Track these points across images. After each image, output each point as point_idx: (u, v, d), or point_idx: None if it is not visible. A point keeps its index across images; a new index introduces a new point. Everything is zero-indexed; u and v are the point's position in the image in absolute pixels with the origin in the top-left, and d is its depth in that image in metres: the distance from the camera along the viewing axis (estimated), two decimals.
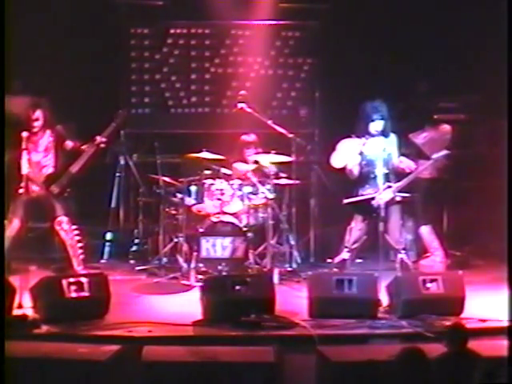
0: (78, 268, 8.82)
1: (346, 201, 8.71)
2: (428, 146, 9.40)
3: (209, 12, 10.36)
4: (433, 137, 9.46)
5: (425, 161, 9.09)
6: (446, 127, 9.54)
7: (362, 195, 8.66)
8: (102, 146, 8.93)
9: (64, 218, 8.84)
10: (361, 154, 8.69)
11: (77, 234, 8.90)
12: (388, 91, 9.19)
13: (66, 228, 8.84)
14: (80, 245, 8.91)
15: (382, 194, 8.53)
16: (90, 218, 10.04)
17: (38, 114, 8.83)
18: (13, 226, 8.69)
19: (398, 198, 8.60)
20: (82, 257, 8.89)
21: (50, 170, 8.88)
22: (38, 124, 8.84)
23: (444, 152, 8.90)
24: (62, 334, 7.11)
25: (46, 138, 8.91)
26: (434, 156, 8.88)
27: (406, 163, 8.77)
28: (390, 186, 8.60)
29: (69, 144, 8.91)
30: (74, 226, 8.90)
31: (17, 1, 9.13)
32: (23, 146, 8.58)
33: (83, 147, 8.86)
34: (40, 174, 8.86)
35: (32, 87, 9.66)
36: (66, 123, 9.07)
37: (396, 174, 8.76)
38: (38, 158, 8.87)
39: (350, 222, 8.90)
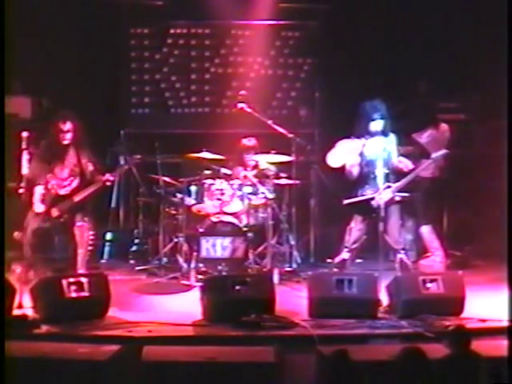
0: (80, 271, 8.77)
1: (346, 201, 8.71)
2: (431, 145, 9.40)
3: (209, 12, 10.37)
4: (435, 136, 9.47)
5: (428, 160, 9.10)
6: (445, 126, 9.56)
7: (362, 195, 8.67)
8: (108, 184, 8.92)
9: (86, 224, 8.82)
10: (361, 154, 8.70)
11: (91, 239, 8.92)
12: (388, 91, 9.19)
13: (84, 232, 8.81)
14: (90, 248, 8.91)
15: (381, 194, 8.54)
16: (90, 218, 10.05)
17: (69, 126, 8.74)
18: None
19: (397, 198, 8.61)
20: (87, 258, 8.87)
21: (64, 191, 8.83)
22: (68, 137, 8.75)
23: (443, 151, 8.91)
24: (62, 334, 7.11)
25: (73, 160, 8.84)
26: (433, 155, 8.89)
27: (405, 163, 8.77)
28: (389, 186, 8.60)
29: (90, 168, 8.87)
30: (92, 232, 8.90)
31: (17, 1, 9.13)
32: (23, 146, 8.59)
33: (97, 178, 8.82)
34: (56, 190, 8.83)
35: (31, 87, 9.67)
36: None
37: (395, 174, 8.77)
38: (61, 175, 8.82)
39: (349, 221, 8.91)
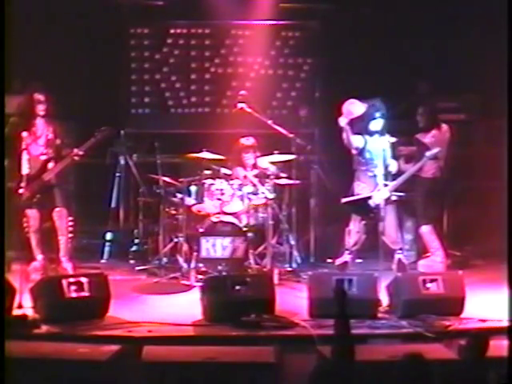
0: (63, 258, 8.95)
1: (344, 200, 8.74)
2: (434, 146, 9.39)
3: (209, 12, 10.37)
4: (438, 136, 9.47)
5: (433, 161, 9.13)
6: (445, 126, 9.58)
7: (359, 195, 8.70)
8: (76, 158, 8.89)
9: (64, 210, 8.96)
10: (361, 152, 8.76)
11: (70, 226, 9.17)
12: (388, 91, 9.20)
13: (63, 218, 8.95)
14: (71, 235, 9.15)
15: (378, 192, 8.59)
16: (90, 218, 10.06)
17: (42, 97, 8.83)
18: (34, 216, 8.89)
19: (393, 198, 8.62)
20: (69, 246, 9.04)
21: (35, 169, 8.87)
22: (42, 108, 8.84)
23: (436, 149, 8.95)
24: (61, 334, 7.11)
25: (45, 135, 8.93)
26: (427, 154, 8.93)
27: (393, 165, 8.85)
28: (386, 185, 8.63)
29: (57, 142, 8.94)
30: (70, 218, 9.14)
31: (17, 1, 9.13)
32: (23, 146, 8.62)
33: (64, 152, 8.91)
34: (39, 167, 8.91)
35: (31, 87, 9.66)
36: (65, 123, 9.10)
37: (393, 174, 8.81)
38: (37, 152, 8.90)
39: (349, 223, 8.92)
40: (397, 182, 8.72)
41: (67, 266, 8.94)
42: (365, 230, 8.83)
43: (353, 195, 8.91)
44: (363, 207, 8.62)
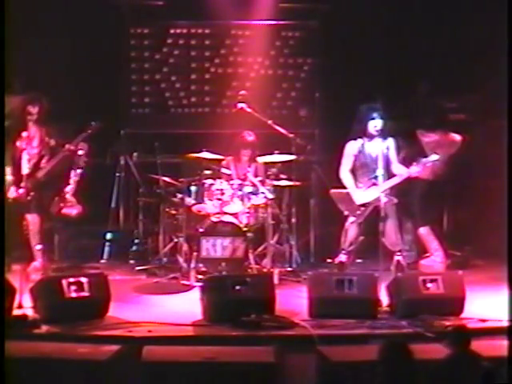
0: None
1: (332, 191, 8.78)
2: (431, 147, 9.37)
3: (209, 12, 10.37)
4: (439, 141, 9.45)
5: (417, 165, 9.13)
6: (457, 138, 9.53)
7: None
8: (67, 153, 8.92)
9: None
10: (358, 154, 8.77)
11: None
12: (388, 91, 9.20)
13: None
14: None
15: (367, 191, 8.62)
16: (90, 218, 10.05)
17: (37, 109, 8.88)
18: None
19: (384, 200, 8.58)
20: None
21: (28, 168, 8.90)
22: (34, 117, 8.88)
23: (433, 157, 8.89)
24: (61, 334, 7.11)
25: (39, 136, 8.95)
26: (423, 160, 8.88)
27: (400, 170, 8.83)
28: (375, 184, 8.63)
29: (51, 142, 8.95)
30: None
31: (17, 1, 9.13)
32: (23, 146, 8.63)
33: (57, 151, 8.94)
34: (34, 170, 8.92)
35: (31, 87, 9.67)
36: (65, 123, 9.10)
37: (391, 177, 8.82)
38: (31, 152, 8.92)
39: (345, 222, 8.94)
40: (388, 185, 8.70)
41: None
42: (362, 231, 8.83)
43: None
44: (349, 203, 8.66)
